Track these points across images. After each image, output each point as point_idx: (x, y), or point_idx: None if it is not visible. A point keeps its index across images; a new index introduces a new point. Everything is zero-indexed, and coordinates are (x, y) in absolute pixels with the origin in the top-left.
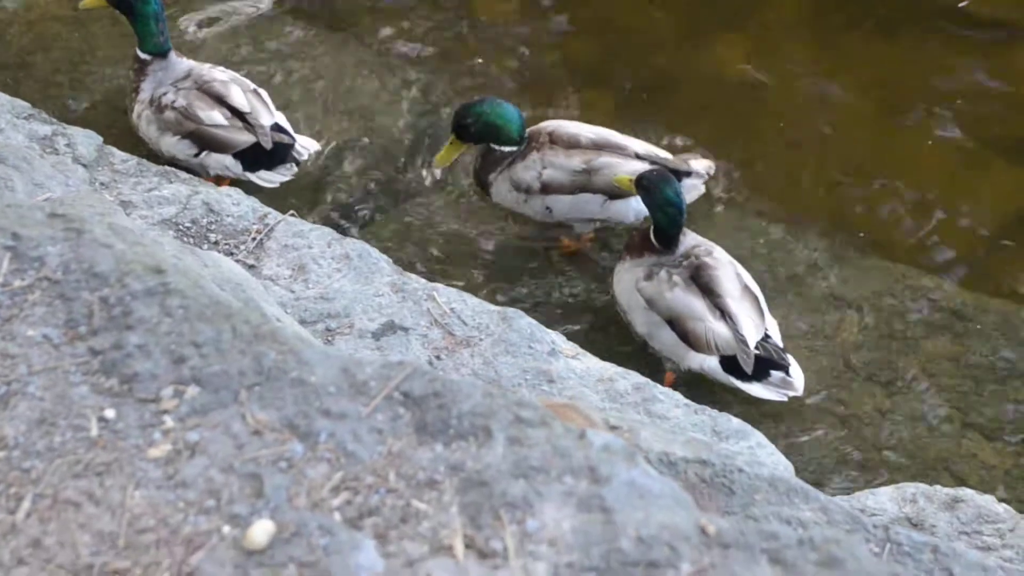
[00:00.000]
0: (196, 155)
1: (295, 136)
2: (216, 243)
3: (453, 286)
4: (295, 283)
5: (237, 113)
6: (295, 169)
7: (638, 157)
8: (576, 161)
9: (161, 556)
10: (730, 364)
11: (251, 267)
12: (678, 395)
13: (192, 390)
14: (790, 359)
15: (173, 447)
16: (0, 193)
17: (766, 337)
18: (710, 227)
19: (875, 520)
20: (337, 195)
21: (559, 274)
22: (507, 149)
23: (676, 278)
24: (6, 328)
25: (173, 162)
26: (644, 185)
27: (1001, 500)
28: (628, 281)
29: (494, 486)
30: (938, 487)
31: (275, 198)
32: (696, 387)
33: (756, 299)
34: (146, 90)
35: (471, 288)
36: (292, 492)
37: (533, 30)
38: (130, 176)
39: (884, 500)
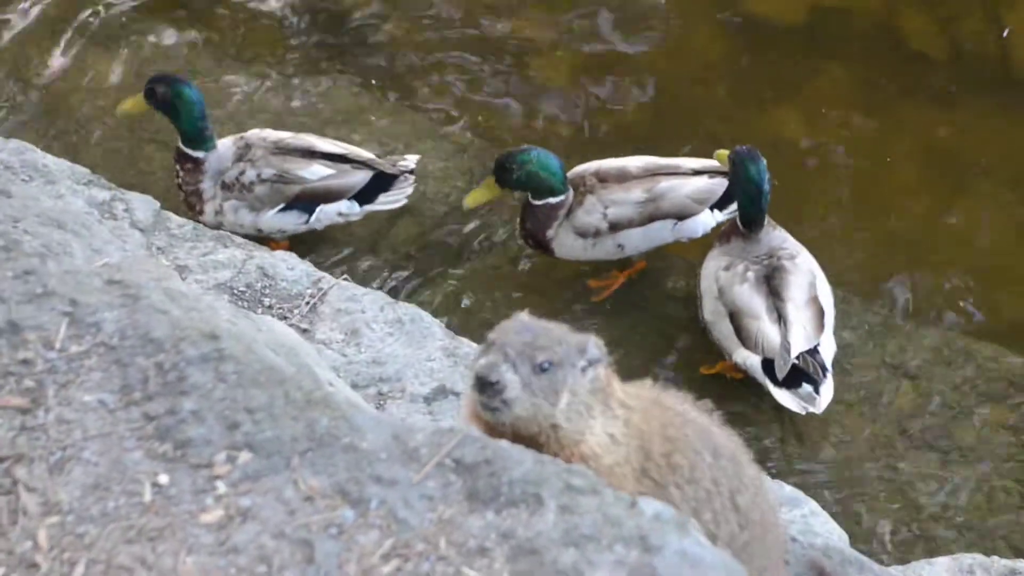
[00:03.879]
0: (307, 220)
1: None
2: (270, 307)
3: None
4: (348, 347)
5: (335, 157)
6: (412, 178)
7: (696, 173)
8: (637, 193)
9: None
10: (769, 367)
11: (304, 331)
12: None
13: (245, 456)
14: (827, 378)
15: (225, 512)
16: (59, 259)
17: (814, 350)
18: None
19: None
20: (390, 259)
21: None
22: (553, 200)
23: (749, 274)
24: (62, 393)
25: (270, 236)
26: (733, 160)
27: None
28: (711, 268)
29: (545, 554)
30: (996, 558)
31: (329, 262)
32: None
33: (821, 312)
34: (209, 186)
35: None
36: (343, 559)
37: (586, 96)
38: (186, 240)
39: (941, 571)
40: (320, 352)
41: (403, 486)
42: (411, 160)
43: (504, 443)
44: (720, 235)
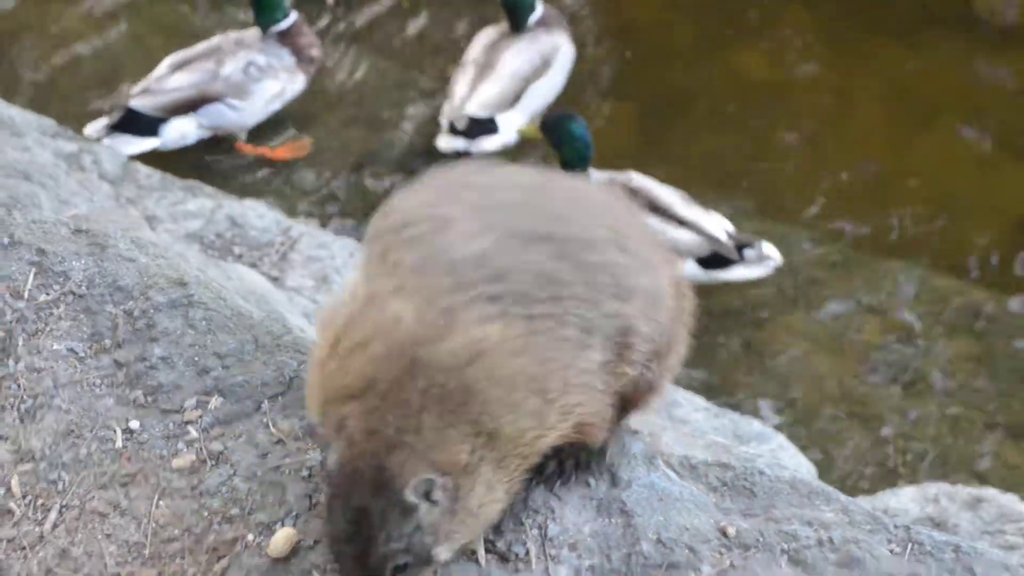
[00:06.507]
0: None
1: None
2: (240, 256)
3: None
4: (318, 294)
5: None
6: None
7: None
8: None
9: (186, 565)
10: (707, 262)
11: (275, 279)
12: (699, 399)
13: (215, 401)
14: (755, 238)
15: (197, 457)
16: (26, 210)
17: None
18: None
19: (896, 520)
20: (358, 205)
21: None
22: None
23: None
24: (32, 342)
25: None
26: (551, 126)
27: None
28: None
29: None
30: (960, 487)
31: (298, 210)
32: (717, 389)
33: (694, 204)
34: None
35: None
36: (315, 500)
37: None
38: (155, 191)
39: (906, 500)
40: (291, 300)
41: None
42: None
43: None
44: None
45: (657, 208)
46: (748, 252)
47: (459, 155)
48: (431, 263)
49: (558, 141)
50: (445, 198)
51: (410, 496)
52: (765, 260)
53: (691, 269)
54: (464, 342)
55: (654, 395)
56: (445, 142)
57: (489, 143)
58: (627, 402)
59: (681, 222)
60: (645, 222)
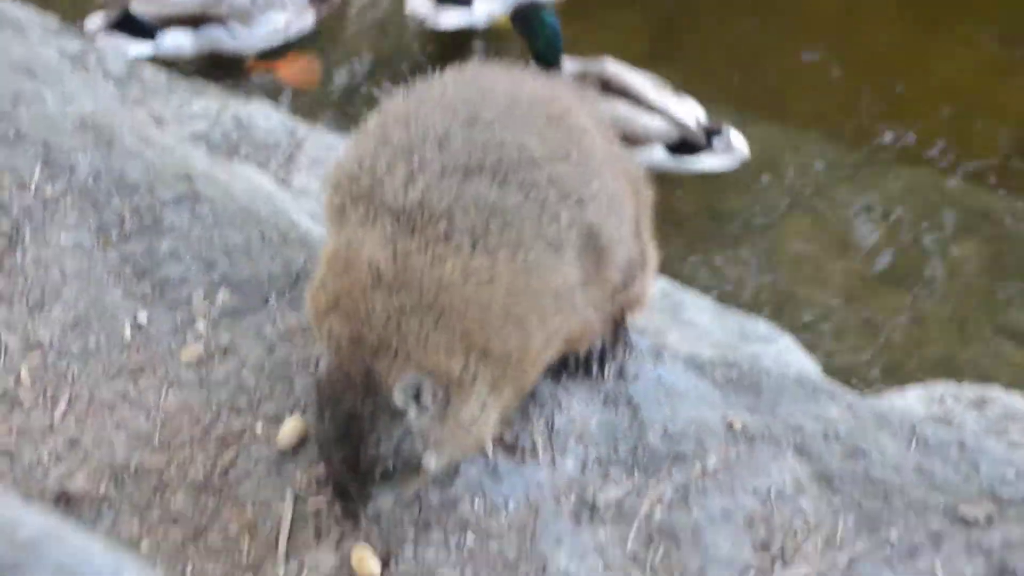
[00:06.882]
0: None
1: None
2: (246, 157)
3: None
4: (325, 195)
5: None
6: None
7: None
8: None
9: (195, 454)
10: (677, 148)
11: (282, 180)
12: (705, 300)
13: (223, 294)
14: (724, 125)
15: (205, 350)
16: (30, 106)
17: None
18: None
19: (902, 417)
20: (366, 108)
21: None
22: None
23: (588, 95)
24: (39, 235)
25: None
26: (523, 16)
27: None
28: None
29: None
30: (966, 385)
31: (307, 112)
32: (723, 291)
33: (666, 89)
34: None
35: None
36: None
37: None
38: (160, 92)
39: (912, 400)
40: (297, 201)
41: None
42: None
43: None
44: None
45: (628, 94)
46: (715, 141)
47: (421, 22)
48: (379, 217)
49: (530, 31)
50: (380, 141)
51: (398, 398)
52: (732, 150)
53: (659, 155)
54: (431, 278)
55: (642, 295)
56: (411, 6)
57: (449, 18)
58: (619, 308)
59: (651, 107)
60: (600, 118)
